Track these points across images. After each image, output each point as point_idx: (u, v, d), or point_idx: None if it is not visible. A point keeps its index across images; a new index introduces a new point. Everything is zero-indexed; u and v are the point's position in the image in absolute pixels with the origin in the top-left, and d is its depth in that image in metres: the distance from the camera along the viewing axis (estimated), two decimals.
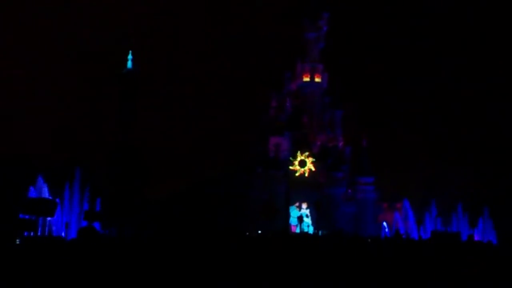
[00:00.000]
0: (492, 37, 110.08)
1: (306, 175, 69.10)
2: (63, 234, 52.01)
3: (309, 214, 67.25)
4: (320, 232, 60.91)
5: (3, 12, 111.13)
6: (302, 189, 67.57)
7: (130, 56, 75.27)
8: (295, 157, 69.22)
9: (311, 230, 65.41)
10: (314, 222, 66.42)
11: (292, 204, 67.28)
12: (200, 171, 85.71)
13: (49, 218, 50.70)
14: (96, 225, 51.92)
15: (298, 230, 63.50)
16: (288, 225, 65.14)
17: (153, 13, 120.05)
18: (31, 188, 52.46)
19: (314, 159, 69.26)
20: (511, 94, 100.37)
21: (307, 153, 69.37)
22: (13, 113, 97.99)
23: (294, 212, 67.00)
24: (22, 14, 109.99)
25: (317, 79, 74.02)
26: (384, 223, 69.53)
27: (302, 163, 69.24)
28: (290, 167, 69.01)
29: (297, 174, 68.98)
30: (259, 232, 58.76)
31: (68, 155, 71.25)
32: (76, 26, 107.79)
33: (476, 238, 65.87)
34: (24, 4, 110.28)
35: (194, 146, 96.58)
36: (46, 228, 51.82)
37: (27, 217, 46.79)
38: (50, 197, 52.35)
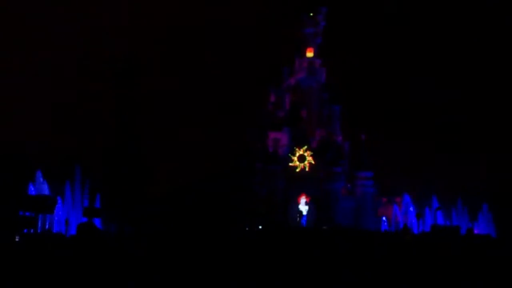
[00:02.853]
0: (492, 36, 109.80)
1: (307, 169, 69.28)
2: (63, 230, 52.18)
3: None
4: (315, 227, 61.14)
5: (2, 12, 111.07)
6: (302, 184, 67.72)
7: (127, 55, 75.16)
8: (293, 154, 69.35)
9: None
10: (314, 217, 66.58)
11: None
12: (200, 167, 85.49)
13: (49, 215, 50.91)
14: (97, 221, 52.07)
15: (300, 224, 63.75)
16: (287, 220, 65.19)
17: (150, 9, 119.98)
18: (31, 185, 52.62)
19: (312, 154, 69.42)
20: (509, 92, 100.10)
21: (305, 148, 69.53)
22: (12, 110, 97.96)
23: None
24: (18, 14, 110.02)
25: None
26: (384, 218, 69.69)
27: (301, 158, 69.40)
28: (290, 164, 69.21)
29: (297, 170, 69.19)
30: (260, 227, 58.87)
31: (68, 152, 71.13)
32: (73, 22, 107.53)
33: (475, 231, 66.06)
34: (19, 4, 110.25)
35: (194, 143, 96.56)
36: (46, 225, 52.04)
37: (26, 214, 46.93)
38: (50, 194, 52.52)
